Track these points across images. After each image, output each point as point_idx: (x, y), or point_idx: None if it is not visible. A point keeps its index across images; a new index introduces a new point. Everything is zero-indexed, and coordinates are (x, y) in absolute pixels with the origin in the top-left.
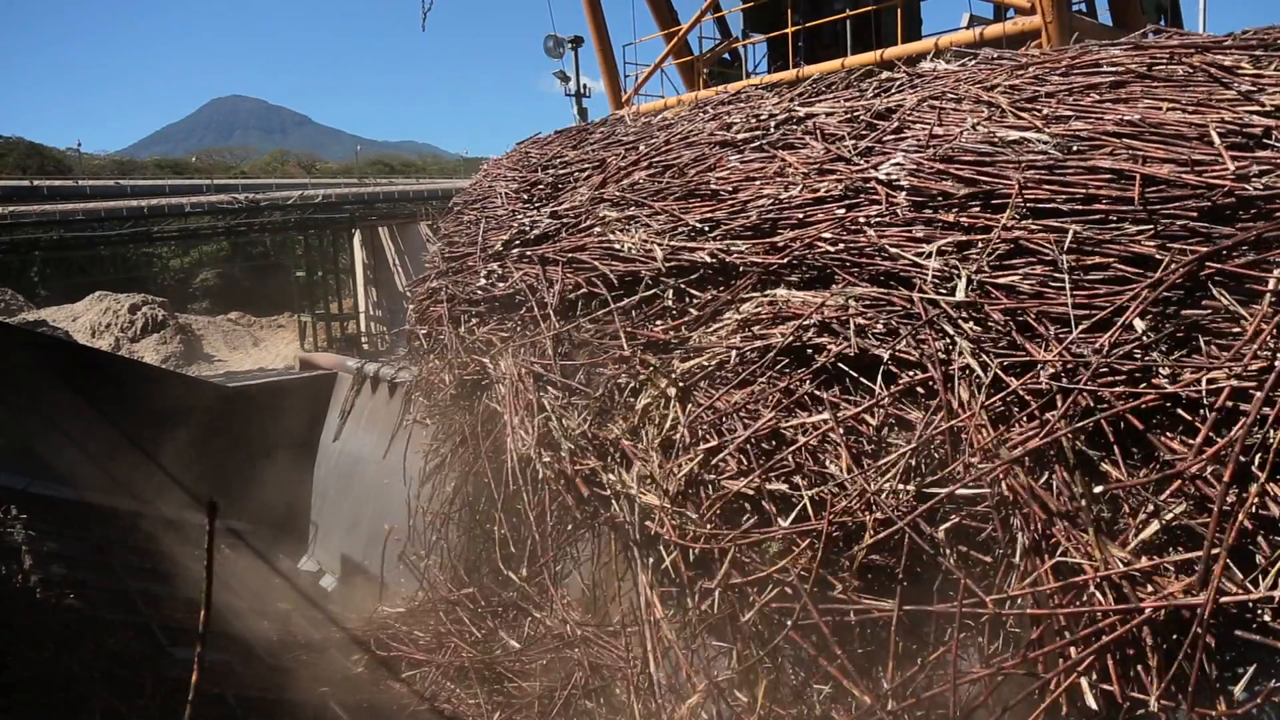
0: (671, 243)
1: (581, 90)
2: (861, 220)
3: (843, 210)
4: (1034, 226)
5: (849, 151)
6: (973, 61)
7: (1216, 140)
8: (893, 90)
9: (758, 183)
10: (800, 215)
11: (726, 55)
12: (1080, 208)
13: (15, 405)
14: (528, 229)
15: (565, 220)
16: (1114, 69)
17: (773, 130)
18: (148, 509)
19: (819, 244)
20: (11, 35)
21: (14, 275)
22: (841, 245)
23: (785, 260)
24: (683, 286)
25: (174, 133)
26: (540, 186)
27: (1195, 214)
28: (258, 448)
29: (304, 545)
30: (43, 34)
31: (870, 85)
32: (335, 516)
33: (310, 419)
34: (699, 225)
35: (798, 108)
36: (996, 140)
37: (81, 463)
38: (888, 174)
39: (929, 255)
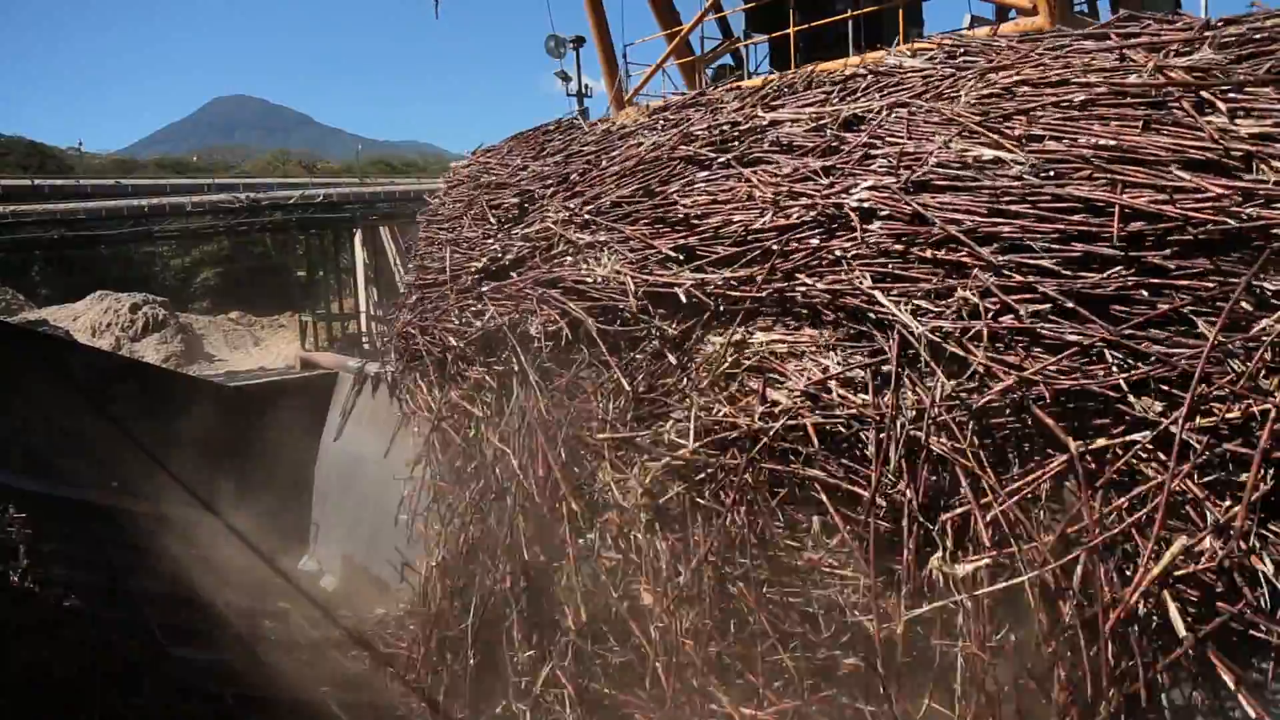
0: (646, 275)
1: (583, 90)
2: (838, 252)
3: (817, 240)
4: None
5: (818, 173)
6: (939, 60)
7: (1185, 174)
8: (858, 94)
9: (727, 206)
10: (775, 245)
11: (729, 58)
12: (1057, 244)
13: (13, 405)
14: (499, 255)
15: (536, 244)
16: (1086, 85)
17: (737, 143)
18: (147, 508)
19: (796, 276)
20: (12, 34)
21: (15, 274)
22: (818, 282)
23: (764, 295)
24: (659, 323)
25: (175, 132)
26: (506, 207)
27: (1177, 248)
28: (258, 447)
29: (304, 545)
30: (44, 33)
31: (835, 88)
32: (336, 516)
33: (311, 418)
34: (672, 254)
35: (761, 113)
36: (970, 161)
37: (81, 462)
38: (859, 200)
39: (910, 309)
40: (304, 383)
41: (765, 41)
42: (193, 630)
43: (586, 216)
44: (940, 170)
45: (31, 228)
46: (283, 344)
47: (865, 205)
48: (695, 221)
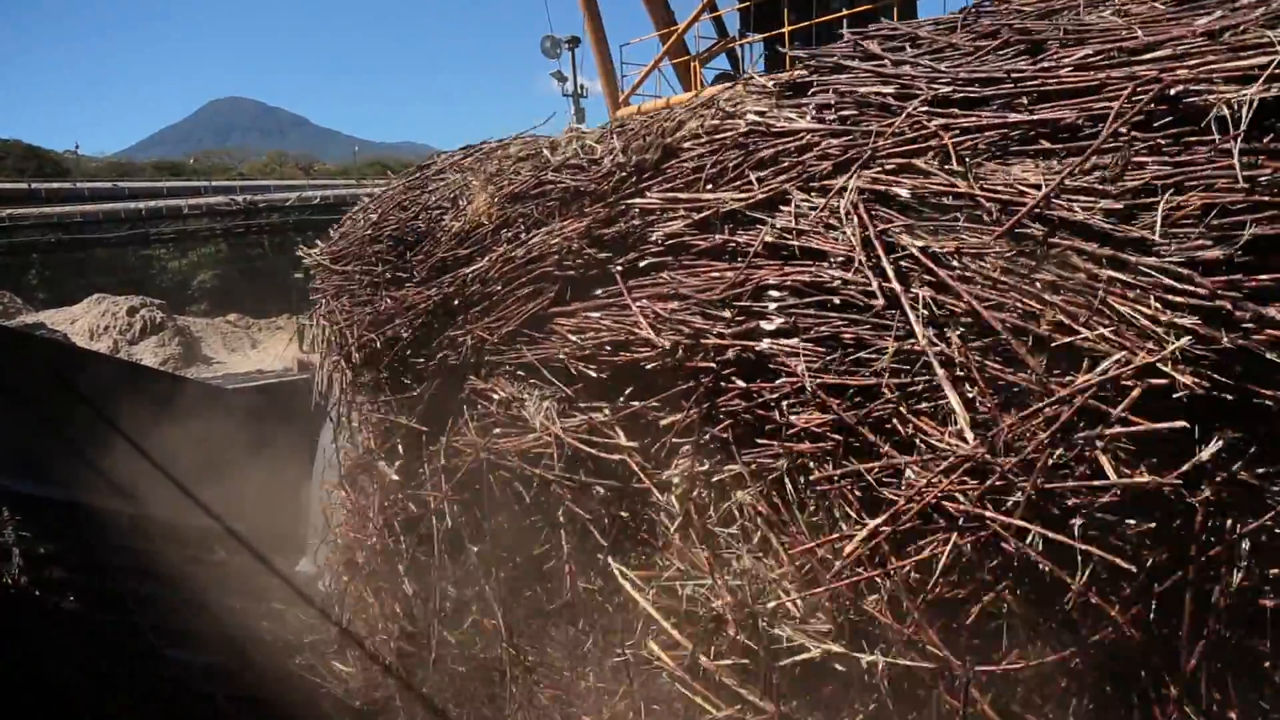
0: (585, 436)
1: (579, 91)
2: (772, 402)
3: (742, 382)
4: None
5: (717, 308)
6: (810, 111)
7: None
8: (730, 174)
9: (633, 342)
10: (703, 382)
11: (724, 60)
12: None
13: (10, 407)
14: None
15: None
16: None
17: (619, 244)
18: (143, 510)
19: (736, 414)
20: (9, 36)
21: (12, 278)
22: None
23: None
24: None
25: (172, 134)
26: (410, 327)
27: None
28: (256, 449)
29: (302, 547)
30: (41, 35)
31: (702, 161)
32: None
33: (308, 420)
34: (595, 404)
35: (628, 201)
36: (872, 291)
37: (77, 464)
38: (771, 344)
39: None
40: (302, 385)
41: (761, 41)
42: (188, 632)
43: (490, 354)
44: (844, 296)
45: (29, 231)
46: (280, 346)
47: (780, 350)
48: (603, 359)
